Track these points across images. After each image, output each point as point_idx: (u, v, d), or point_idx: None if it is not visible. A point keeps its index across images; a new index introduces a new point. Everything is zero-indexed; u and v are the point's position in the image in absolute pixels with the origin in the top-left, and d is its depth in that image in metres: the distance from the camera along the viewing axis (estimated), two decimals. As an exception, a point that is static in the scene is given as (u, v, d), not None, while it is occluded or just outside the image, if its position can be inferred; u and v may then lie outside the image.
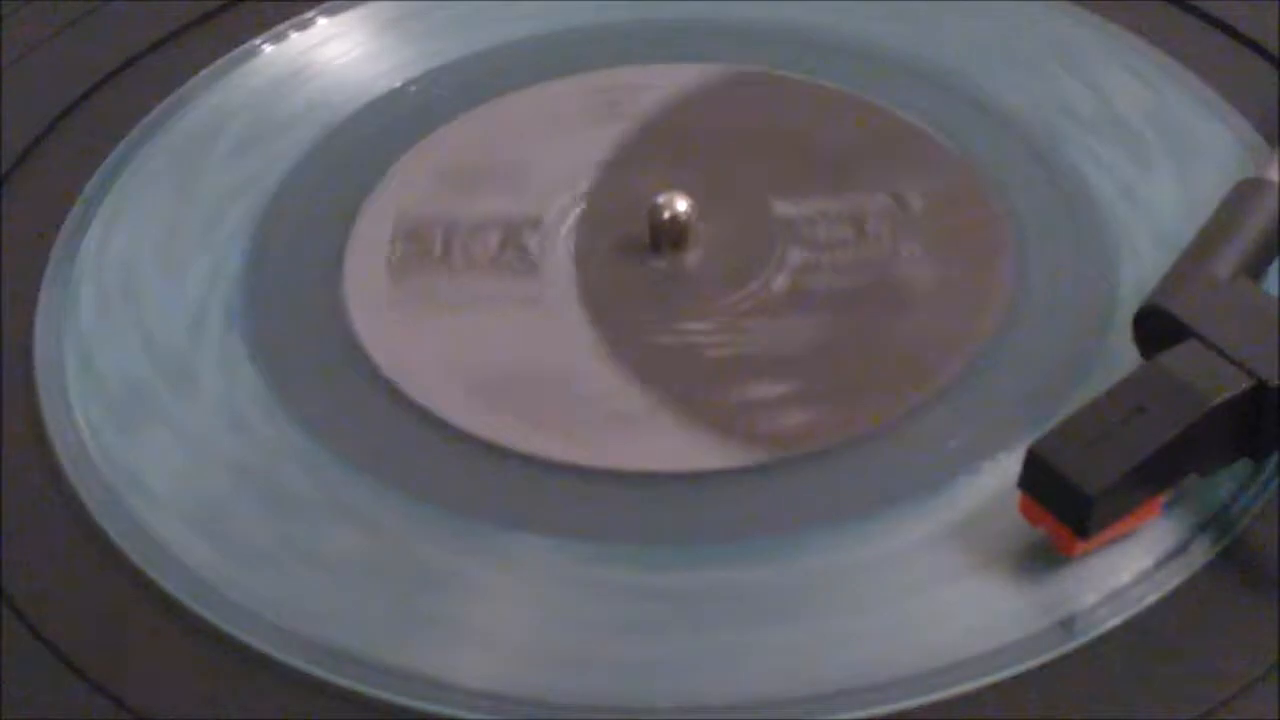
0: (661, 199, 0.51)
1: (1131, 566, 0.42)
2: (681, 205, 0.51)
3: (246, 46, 0.59)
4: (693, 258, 0.51)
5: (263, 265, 0.52)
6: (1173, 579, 0.42)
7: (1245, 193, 0.48)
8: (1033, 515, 0.42)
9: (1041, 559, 0.42)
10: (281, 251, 0.52)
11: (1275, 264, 0.48)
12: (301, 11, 0.61)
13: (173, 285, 0.51)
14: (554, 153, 0.55)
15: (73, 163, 0.55)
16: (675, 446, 0.46)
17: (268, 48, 0.59)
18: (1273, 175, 0.48)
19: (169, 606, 0.43)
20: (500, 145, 0.56)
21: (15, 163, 0.55)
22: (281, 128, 0.56)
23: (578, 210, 0.53)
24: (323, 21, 0.61)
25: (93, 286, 0.51)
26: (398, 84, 0.58)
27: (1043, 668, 0.41)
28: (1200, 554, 0.43)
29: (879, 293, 0.50)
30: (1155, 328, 0.45)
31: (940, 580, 0.43)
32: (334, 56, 0.59)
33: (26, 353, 0.49)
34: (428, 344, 0.49)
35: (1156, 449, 0.41)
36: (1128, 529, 0.42)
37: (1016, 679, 0.40)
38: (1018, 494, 0.42)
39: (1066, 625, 0.41)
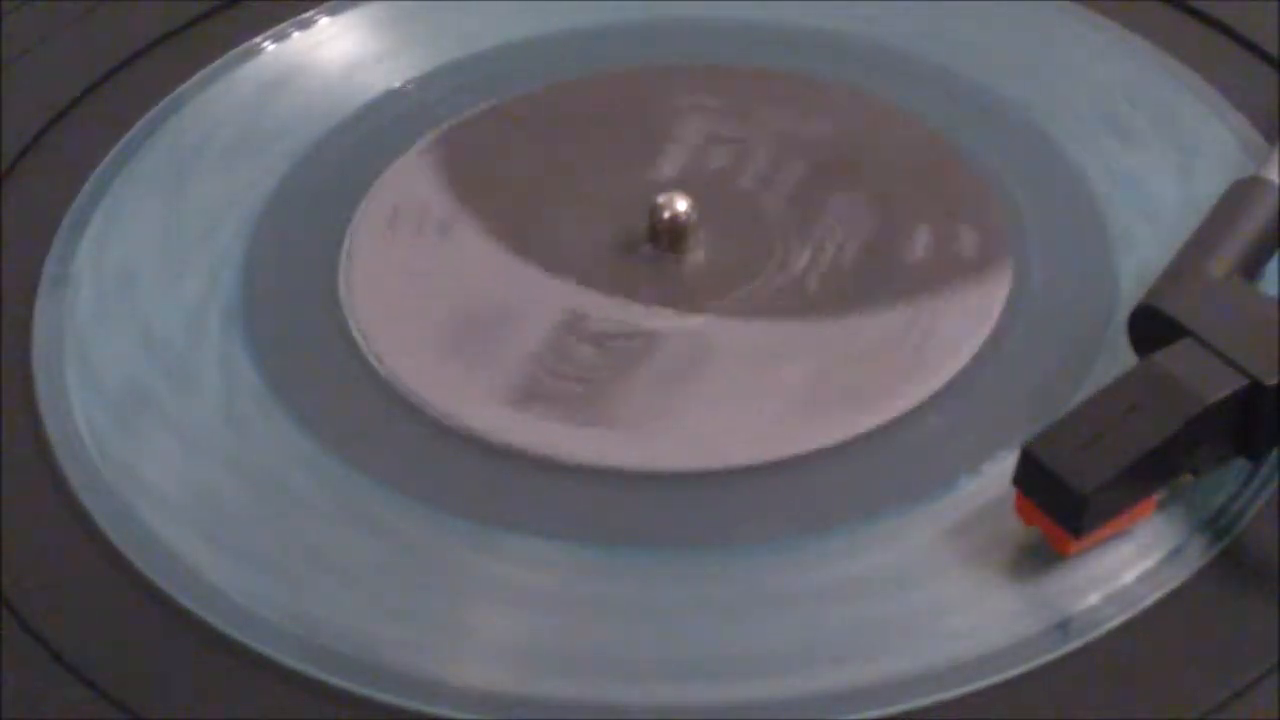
0: (662, 198, 0.51)
1: (1131, 567, 0.42)
2: (681, 205, 0.51)
3: (247, 46, 0.60)
4: (693, 257, 0.51)
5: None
6: (1172, 580, 0.42)
7: (1242, 192, 0.48)
8: (1027, 514, 0.42)
9: (1041, 560, 0.42)
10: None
11: (1272, 263, 0.48)
12: (303, 11, 0.61)
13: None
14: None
15: (73, 163, 0.55)
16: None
17: (268, 47, 0.60)
18: (1270, 174, 0.48)
19: (167, 607, 0.43)
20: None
21: (15, 162, 0.55)
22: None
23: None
24: (324, 21, 0.61)
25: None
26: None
27: (1041, 669, 0.41)
28: (1199, 554, 0.43)
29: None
30: (1151, 327, 0.45)
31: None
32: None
33: (25, 353, 0.49)
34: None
35: (1151, 448, 0.41)
36: (1122, 527, 0.42)
37: (1015, 680, 0.40)
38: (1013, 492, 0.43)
39: (1065, 626, 0.41)
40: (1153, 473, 0.42)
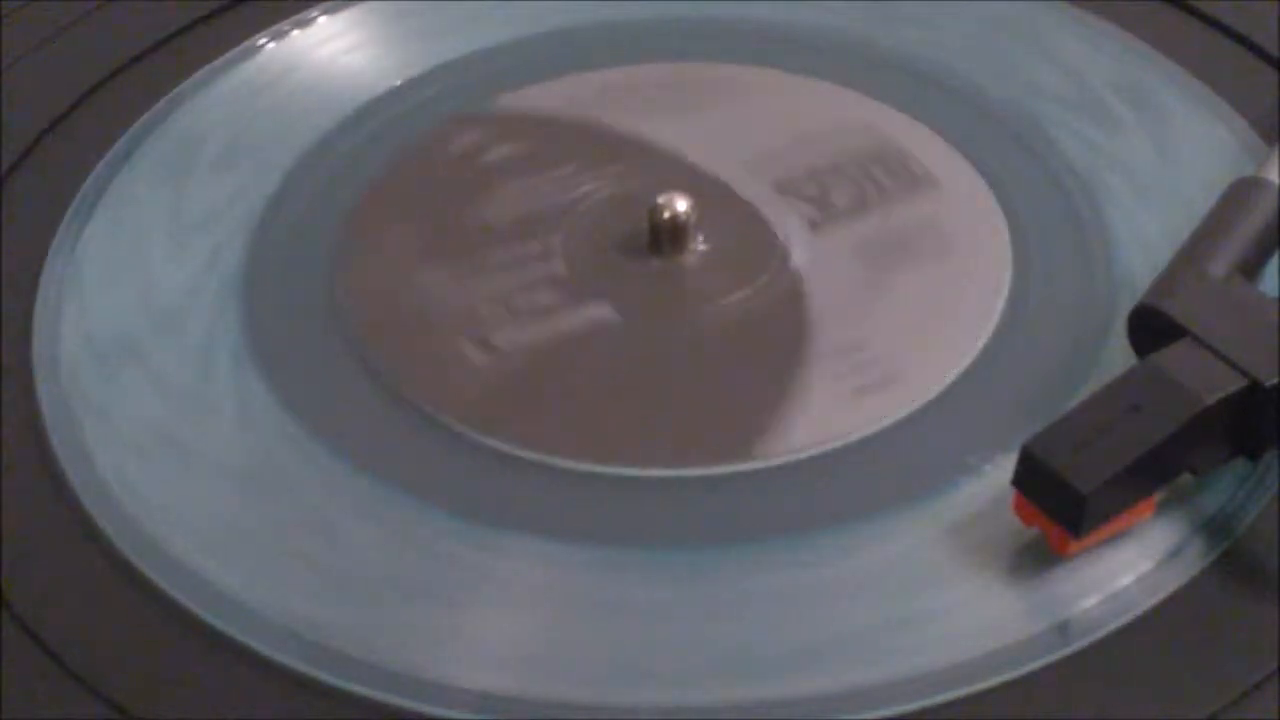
0: (661, 199, 0.51)
1: (1130, 568, 0.42)
2: (681, 205, 0.51)
3: (247, 45, 0.60)
4: (693, 257, 0.51)
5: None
6: (1172, 581, 0.42)
7: (1241, 192, 0.48)
8: (1026, 514, 0.42)
9: (1040, 561, 0.42)
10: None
11: (1272, 263, 0.48)
12: (302, 10, 0.61)
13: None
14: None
15: (73, 162, 0.55)
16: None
17: (269, 46, 0.60)
18: (1270, 174, 0.48)
19: (167, 607, 0.43)
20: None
21: (15, 163, 0.55)
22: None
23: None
24: (323, 20, 0.61)
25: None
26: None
27: (1041, 671, 0.41)
28: (1199, 556, 0.43)
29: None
30: (1150, 327, 0.45)
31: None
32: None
33: (25, 352, 0.49)
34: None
35: (1150, 448, 0.41)
36: (1121, 528, 0.42)
37: (1014, 682, 0.40)
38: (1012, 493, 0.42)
39: (1064, 628, 0.41)
40: (1152, 473, 0.42)
